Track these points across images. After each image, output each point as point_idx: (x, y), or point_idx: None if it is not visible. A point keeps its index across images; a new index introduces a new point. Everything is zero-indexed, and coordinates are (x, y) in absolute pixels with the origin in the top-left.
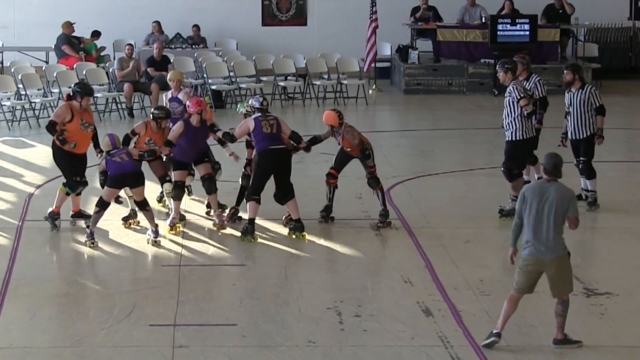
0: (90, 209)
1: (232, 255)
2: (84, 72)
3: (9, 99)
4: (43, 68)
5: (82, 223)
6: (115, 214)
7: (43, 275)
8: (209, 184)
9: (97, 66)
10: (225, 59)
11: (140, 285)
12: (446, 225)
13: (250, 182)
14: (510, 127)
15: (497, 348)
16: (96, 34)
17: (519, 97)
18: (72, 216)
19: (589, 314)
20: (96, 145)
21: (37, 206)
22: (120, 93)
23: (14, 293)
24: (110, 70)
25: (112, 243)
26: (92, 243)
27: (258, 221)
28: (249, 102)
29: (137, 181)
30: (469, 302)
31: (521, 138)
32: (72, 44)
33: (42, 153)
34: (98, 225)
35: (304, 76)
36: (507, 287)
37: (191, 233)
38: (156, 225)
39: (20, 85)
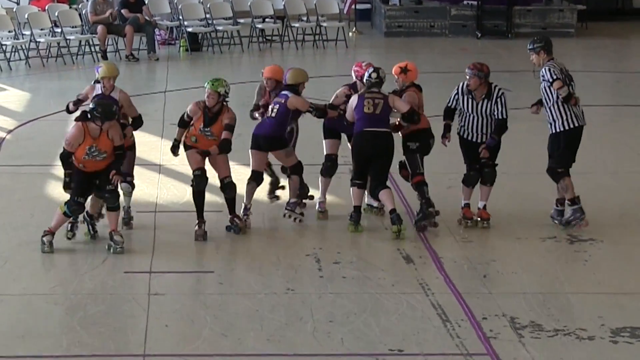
0: None
1: (209, 201)
2: (56, 14)
3: None
4: (14, 9)
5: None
6: None
7: (15, 222)
8: None
9: (70, 7)
10: (201, 0)
11: None
12: (427, 171)
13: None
14: (550, 117)
15: (479, 294)
16: None
17: (551, 80)
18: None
19: (572, 260)
20: (116, 170)
21: (8, 151)
22: (94, 35)
23: None
24: (84, 12)
25: None
26: (245, 221)
27: (237, 167)
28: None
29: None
30: (451, 249)
31: (563, 129)
32: None
33: (13, 97)
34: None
35: (282, 18)
36: (490, 234)
37: (166, 179)
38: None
39: None
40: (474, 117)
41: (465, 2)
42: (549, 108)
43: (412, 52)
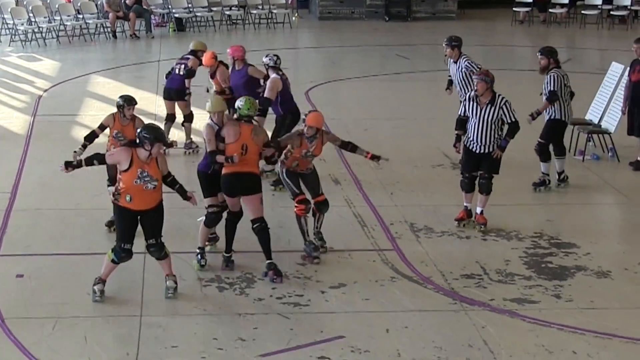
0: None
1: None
2: (79, 4)
3: (22, 24)
4: (48, 1)
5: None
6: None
7: (51, 156)
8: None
9: (89, 0)
10: None
11: None
12: (350, 117)
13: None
14: (463, 93)
15: (387, 206)
16: None
17: (479, 69)
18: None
19: (455, 182)
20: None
21: (45, 105)
22: (106, 20)
23: (28, 170)
24: (99, 2)
25: None
26: None
27: None
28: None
29: None
30: (367, 173)
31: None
32: None
33: (48, 65)
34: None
35: (243, 6)
36: (394, 163)
37: (159, 124)
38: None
39: (31, 14)
40: (477, 123)
41: None
42: (465, 87)
43: (338, 31)
